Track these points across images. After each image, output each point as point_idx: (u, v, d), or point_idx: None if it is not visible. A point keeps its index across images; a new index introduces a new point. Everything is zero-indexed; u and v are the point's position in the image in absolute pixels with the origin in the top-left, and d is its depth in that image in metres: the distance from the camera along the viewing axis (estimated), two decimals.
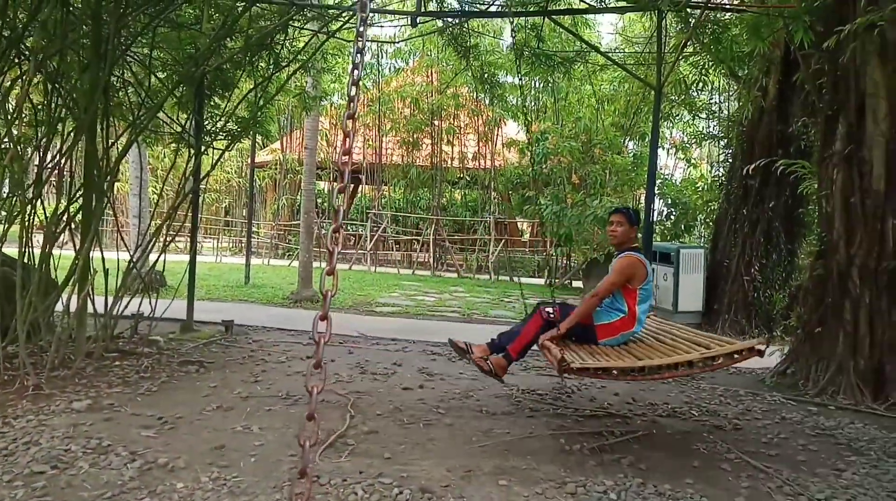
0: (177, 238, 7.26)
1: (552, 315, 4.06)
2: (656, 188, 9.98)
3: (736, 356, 3.39)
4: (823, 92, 5.67)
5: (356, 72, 2.11)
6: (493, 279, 15.66)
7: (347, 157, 1.99)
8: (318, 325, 1.63)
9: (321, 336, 1.63)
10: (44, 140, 5.15)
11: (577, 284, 13.87)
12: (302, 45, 7.53)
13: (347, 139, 2.04)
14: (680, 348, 3.67)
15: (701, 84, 8.27)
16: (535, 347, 4.20)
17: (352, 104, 2.06)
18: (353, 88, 2.08)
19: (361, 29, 2.16)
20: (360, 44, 2.16)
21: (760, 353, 3.36)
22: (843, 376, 5.04)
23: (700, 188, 11.71)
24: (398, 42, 15.66)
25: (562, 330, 3.96)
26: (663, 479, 3.16)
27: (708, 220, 11.81)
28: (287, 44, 7.14)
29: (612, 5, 6.13)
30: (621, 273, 4.05)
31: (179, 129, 6.58)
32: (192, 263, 6.65)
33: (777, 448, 3.77)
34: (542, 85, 15.12)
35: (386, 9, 7.35)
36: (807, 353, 5.49)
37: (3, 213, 5.02)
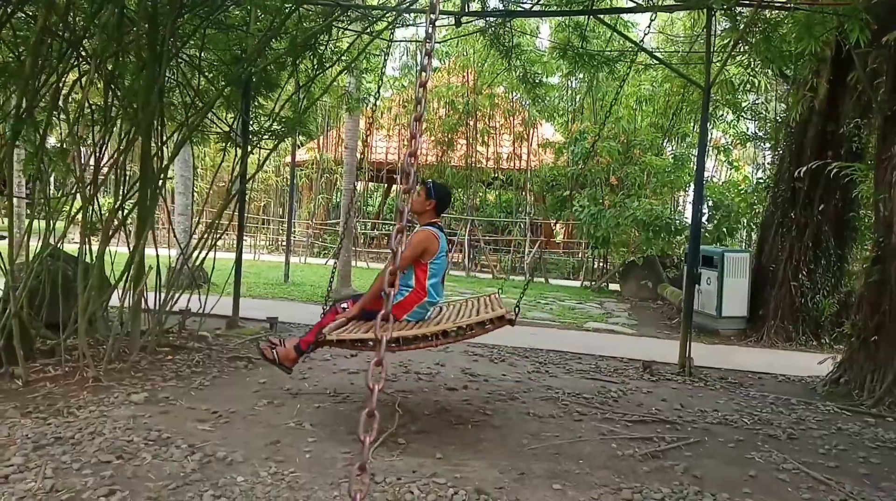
0: (221, 236, 7.40)
1: (347, 309, 3.96)
2: None
3: (488, 325, 3.61)
4: (881, 91, 5.49)
5: (424, 74, 2.13)
6: (529, 281, 15.56)
7: (413, 159, 2.00)
8: (380, 325, 1.66)
9: (383, 335, 1.66)
10: (100, 140, 5.30)
11: (615, 286, 13.69)
12: (345, 45, 7.60)
13: (414, 140, 2.05)
14: (461, 320, 3.69)
15: (749, 85, 8.08)
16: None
17: (419, 107, 2.07)
18: (421, 90, 2.09)
19: (431, 31, 2.17)
20: (428, 46, 2.17)
21: (511, 322, 3.68)
22: None
23: (743, 191, 11.45)
24: (440, 42, 15.65)
25: (355, 310, 3.87)
26: (720, 488, 3.11)
27: (752, 223, 11.55)
28: (330, 45, 7.22)
29: (661, 3, 6.03)
30: (414, 247, 3.92)
31: (227, 128, 6.71)
32: (238, 261, 6.78)
33: (836, 459, 3.66)
34: (579, 85, 14.99)
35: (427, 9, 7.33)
36: (861, 361, 5.33)
37: (64, 211, 5.18)
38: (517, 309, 4.05)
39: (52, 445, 3.11)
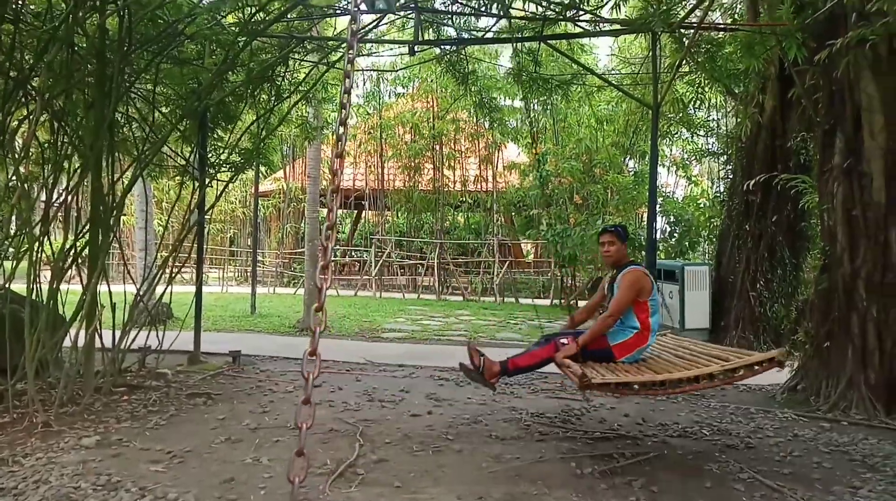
0: (182, 270, 7.31)
1: (566, 344, 4.00)
2: (658, 206, 9.99)
3: (756, 367, 3.44)
4: (819, 107, 5.72)
5: (344, 111, 2.17)
6: (499, 302, 15.63)
7: (336, 194, 2.03)
8: (307, 361, 1.65)
9: (310, 373, 1.65)
10: (50, 178, 5.22)
11: (584, 303, 13.82)
12: (303, 76, 7.66)
13: (335, 178, 2.09)
14: (699, 362, 3.69)
15: (698, 102, 8.34)
16: (540, 369, 4.19)
17: (339, 143, 2.11)
18: (341, 128, 2.13)
19: (349, 68, 2.22)
20: (347, 83, 2.22)
21: (781, 364, 3.42)
22: (854, 390, 5.00)
23: (702, 205, 11.73)
24: (396, 70, 15.86)
25: (579, 344, 3.94)
26: None
27: (711, 236, 11.82)
28: (288, 75, 7.26)
29: (607, 28, 6.22)
30: (631, 288, 4.04)
31: (184, 162, 6.67)
32: (199, 294, 6.68)
33: (791, 465, 3.73)
34: (541, 107, 15.27)
35: (383, 39, 7.47)
36: (816, 368, 5.46)
37: (11, 250, 5.07)
38: (789, 350, 3.69)
39: None
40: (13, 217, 4.74)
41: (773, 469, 3.64)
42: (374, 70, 16.91)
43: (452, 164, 18.70)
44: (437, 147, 18.47)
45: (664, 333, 4.87)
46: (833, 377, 5.23)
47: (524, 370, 4.23)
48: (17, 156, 4.83)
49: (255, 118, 6.96)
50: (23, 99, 5.24)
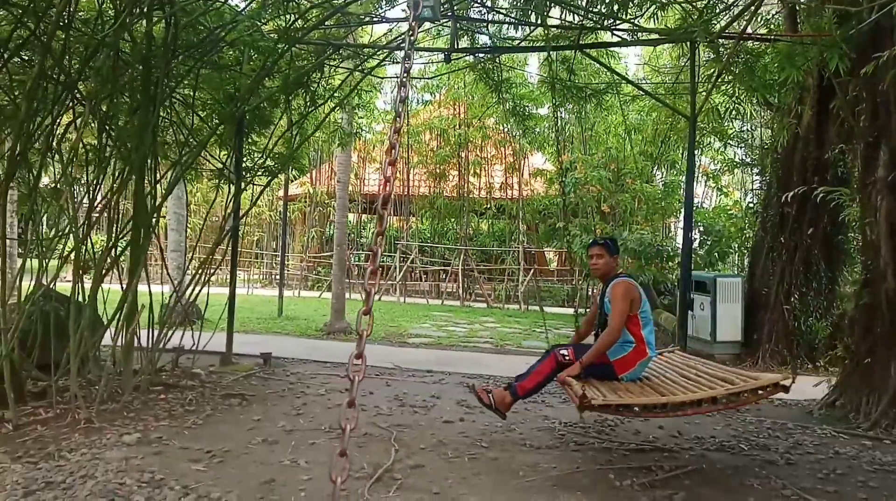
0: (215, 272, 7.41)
1: (566, 357, 4.03)
2: None
3: (760, 391, 3.38)
4: (862, 118, 5.62)
5: (398, 121, 2.18)
6: (524, 309, 15.56)
7: (387, 204, 2.03)
8: (353, 363, 1.65)
9: (356, 375, 1.65)
10: (94, 180, 5.35)
11: None
12: (338, 82, 7.75)
13: (388, 184, 2.10)
14: (703, 383, 3.63)
15: (734, 113, 8.25)
16: (549, 385, 4.17)
17: (393, 151, 2.12)
18: (395, 136, 2.14)
19: (405, 79, 2.24)
20: (403, 92, 2.24)
21: (786, 389, 3.34)
22: None
23: (733, 216, 11.57)
24: (430, 77, 15.95)
25: (583, 364, 3.91)
26: None
27: (742, 248, 11.65)
28: (322, 82, 7.36)
29: (645, 38, 6.19)
30: (624, 299, 3.98)
31: (220, 166, 6.78)
32: (232, 297, 6.78)
33: (835, 483, 3.65)
34: (569, 115, 15.23)
35: (420, 47, 7.53)
36: (856, 384, 5.34)
37: (57, 251, 5.19)
38: (793, 376, 3.49)
39: (42, 490, 3.06)
40: (59, 218, 4.85)
41: (817, 487, 3.56)
42: (407, 77, 16.98)
43: (478, 171, 18.72)
44: (463, 154, 18.51)
45: (672, 349, 4.80)
46: (874, 394, 5.11)
47: (534, 392, 4.21)
48: (64, 158, 4.95)
49: (289, 124, 7.05)
50: (70, 103, 5.38)
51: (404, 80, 2.12)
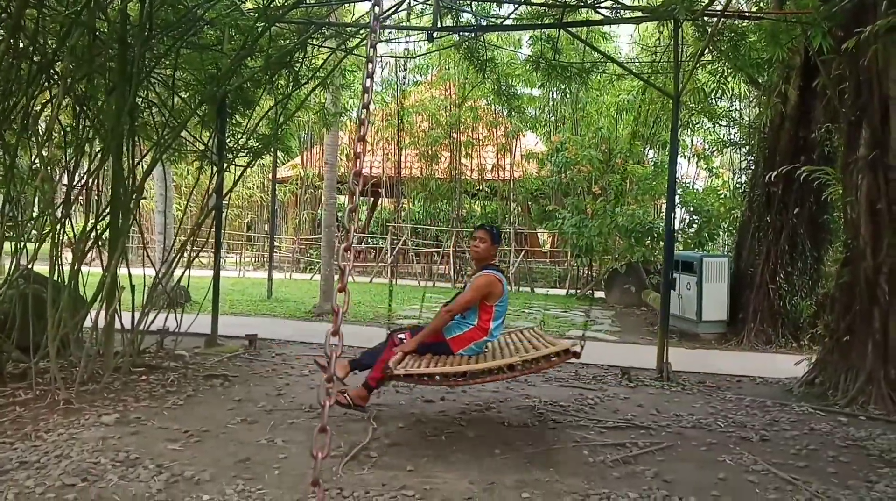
0: (200, 254, 7.39)
1: (404, 340, 4.08)
2: (677, 198, 9.86)
3: (553, 358, 3.66)
4: (846, 97, 5.60)
5: (367, 95, 2.16)
6: (515, 290, 15.60)
7: (358, 178, 2.03)
8: (330, 340, 1.66)
9: (333, 351, 1.65)
10: (72, 161, 5.30)
11: (600, 294, 13.75)
12: (321, 62, 7.66)
13: (358, 161, 2.09)
14: (516, 354, 3.79)
15: (720, 92, 8.20)
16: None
17: (362, 128, 2.10)
18: (364, 111, 2.12)
19: (372, 53, 2.21)
20: (370, 67, 2.21)
21: (577, 354, 3.68)
22: (874, 385, 4.93)
23: (722, 196, 11.58)
24: (414, 57, 15.80)
25: (412, 344, 3.97)
26: (688, 491, 3.12)
27: (731, 228, 11.67)
28: (306, 62, 7.27)
29: (628, 16, 6.13)
30: (478, 291, 4.08)
31: (203, 147, 6.72)
32: (216, 278, 6.76)
33: (806, 459, 3.70)
34: (560, 96, 15.15)
35: (401, 25, 7.44)
36: (835, 362, 5.39)
37: (34, 232, 5.16)
38: (582, 343, 3.88)
39: (16, 470, 3.07)
40: (36, 199, 4.81)
41: (788, 462, 3.61)
42: (391, 56, 16.83)
43: (470, 152, 18.62)
44: (455, 135, 18.40)
45: (531, 328, 4.81)
46: (852, 372, 5.16)
47: (385, 381, 4.09)
48: (40, 139, 4.90)
49: (273, 104, 6.98)
50: (45, 83, 5.30)
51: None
